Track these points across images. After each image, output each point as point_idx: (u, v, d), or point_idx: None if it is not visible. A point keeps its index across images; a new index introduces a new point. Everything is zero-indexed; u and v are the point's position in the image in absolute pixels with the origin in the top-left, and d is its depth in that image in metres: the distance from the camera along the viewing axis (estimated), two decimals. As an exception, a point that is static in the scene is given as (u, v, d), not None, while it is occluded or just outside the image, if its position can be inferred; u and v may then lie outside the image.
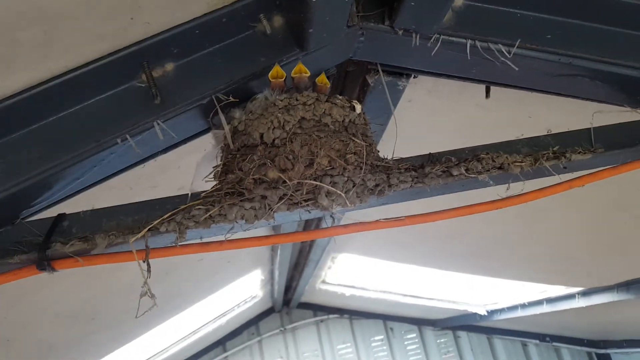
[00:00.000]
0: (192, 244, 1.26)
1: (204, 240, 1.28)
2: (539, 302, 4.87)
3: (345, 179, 1.21)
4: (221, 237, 1.27)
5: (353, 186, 1.23)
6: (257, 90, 1.32)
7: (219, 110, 1.27)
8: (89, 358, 3.42)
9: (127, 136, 1.24)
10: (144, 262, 1.16)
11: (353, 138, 1.24)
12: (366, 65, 1.60)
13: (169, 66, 1.28)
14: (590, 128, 1.49)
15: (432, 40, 1.38)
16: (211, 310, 4.89)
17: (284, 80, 1.25)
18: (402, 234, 3.65)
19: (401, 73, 1.59)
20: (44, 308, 2.20)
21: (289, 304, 6.66)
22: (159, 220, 1.19)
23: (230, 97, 1.26)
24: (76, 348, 3.01)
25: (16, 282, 1.95)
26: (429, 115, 2.05)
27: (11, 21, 0.96)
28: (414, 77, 1.69)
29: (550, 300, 4.72)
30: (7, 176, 1.17)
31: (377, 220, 1.32)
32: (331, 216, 1.37)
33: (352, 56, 1.49)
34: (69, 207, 1.33)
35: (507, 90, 1.78)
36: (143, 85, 1.26)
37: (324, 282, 5.75)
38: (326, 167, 1.20)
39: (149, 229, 1.18)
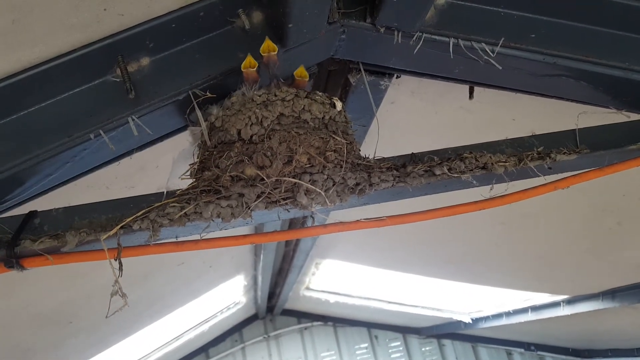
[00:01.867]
0: (167, 242, 1.21)
1: (180, 239, 1.24)
2: (523, 310, 4.87)
3: (325, 177, 1.18)
4: (197, 237, 1.23)
5: (333, 185, 1.20)
6: (235, 86, 1.29)
7: (196, 106, 1.24)
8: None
9: (101, 131, 1.20)
10: (115, 260, 1.12)
11: (333, 135, 1.22)
12: (348, 64, 1.58)
13: (145, 61, 1.24)
14: (575, 129, 1.48)
15: (414, 38, 1.36)
16: (193, 316, 4.81)
17: (257, 70, 1.21)
18: (385, 240, 3.63)
19: (383, 72, 1.57)
20: (18, 310, 2.13)
21: (273, 311, 6.60)
22: (132, 217, 1.15)
23: (208, 93, 1.23)
24: (53, 354, 2.92)
25: None
26: (412, 117, 2.04)
27: (-25, 7, 0.92)
28: (396, 78, 1.67)
29: (535, 308, 4.72)
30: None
31: (357, 221, 1.29)
32: (311, 216, 1.34)
33: (334, 55, 1.47)
34: (43, 205, 1.28)
35: (490, 92, 1.78)
36: (117, 80, 1.22)
37: (308, 288, 5.70)
38: (305, 164, 1.17)
39: (121, 227, 1.13)
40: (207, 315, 5.23)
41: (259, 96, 1.19)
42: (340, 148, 1.21)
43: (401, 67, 1.53)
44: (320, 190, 1.17)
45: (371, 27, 1.34)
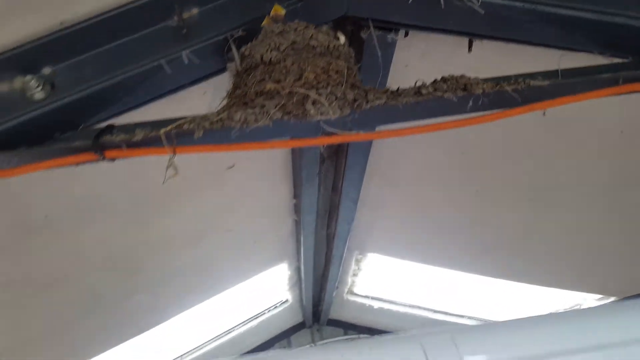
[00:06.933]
0: (210, 144, 1.56)
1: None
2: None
3: (328, 91, 1.50)
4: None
5: (335, 99, 1.51)
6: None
7: (231, 43, 1.61)
8: (129, 329, 3.74)
9: (162, 61, 1.60)
10: (173, 153, 1.48)
11: (336, 60, 1.54)
12: (360, 24, 1.91)
13: (195, 10, 1.64)
14: (557, 70, 1.71)
15: (408, -9, 1.68)
16: (242, 307, 5.14)
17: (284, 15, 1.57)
18: (419, 227, 3.81)
19: (390, 28, 1.89)
20: (91, 248, 2.56)
21: (319, 320, 6.78)
22: (183, 121, 1.52)
23: (240, 32, 1.60)
24: (121, 309, 3.33)
25: (62, 217, 2.31)
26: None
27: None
28: (405, 36, 1.99)
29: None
30: (72, 87, 1.54)
31: (380, 131, 1.59)
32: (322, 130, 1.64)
33: (346, 12, 1.81)
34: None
35: (495, 53, 2.03)
36: (174, 25, 1.63)
37: (351, 292, 5.87)
38: (312, 80, 1.49)
39: (175, 126, 1.50)
40: (256, 311, 5.56)
41: (277, 28, 1.54)
42: (342, 70, 1.53)
43: (404, 21, 1.84)
44: (324, 102, 1.49)
45: (374, -17, 1.68)
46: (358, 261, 5.00)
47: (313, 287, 5.44)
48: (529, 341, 1.40)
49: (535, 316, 1.49)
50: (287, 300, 5.73)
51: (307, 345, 6.99)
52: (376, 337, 1.47)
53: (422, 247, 4.17)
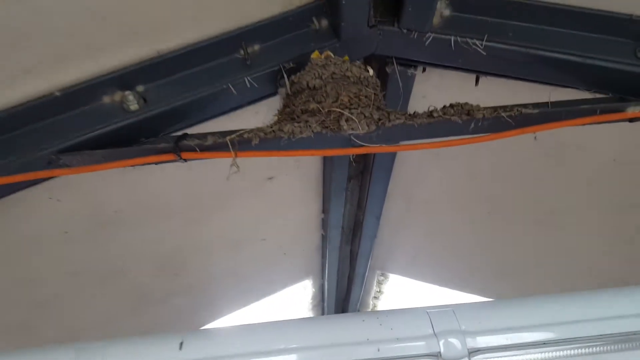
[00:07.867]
0: (264, 150, 1.97)
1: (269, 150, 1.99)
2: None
3: (359, 111, 1.90)
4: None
5: (364, 117, 1.91)
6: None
7: (284, 71, 2.05)
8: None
9: (229, 84, 2.04)
10: (235, 156, 1.90)
11: (365, 88, 1.95)
12: (386, 60, 2.33)
13: (257, 46, 2.09)
14: (548, 101, 2.07)
15: (426, 37, 2.09)
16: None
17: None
18: (439, 249, 4.11)
19: (410, 64, 2.30)
20: (145, 246, 2.97)
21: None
22: (244, 131, 1.94)
23: (291, 64, 2.04)
24: (158, 312, 3.71)
25: (128, 213, 2.73)
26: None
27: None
28: (423, 72, 2.40)
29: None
30: (159, 102, 1.99)
31: (399, 145, 1.97)
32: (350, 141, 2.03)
33: (375, 51, 2.23)
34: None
35: (499, 87, 2.41)
36: (240, 57, 2.08)
37: (373, 315, 6.10)
38: (346, 102, 1.90)
39: (238, 135, 1.92)
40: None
41: (320, 61, 1.97)
42: (370, 95, 1.93)
43: (421, 59, 2.25)
44: (355, 119, 1.89)
45: (398, 30, 2.10)
46: (380, 283, 5.28)
47: (335, 307, 5.71)
48: (520, 315, 1.72)
49: (529, 297, 1.80)
50: (309, 319, 5.98)
51: None
52: (389, 309, 1.81)
53: (438, 268, 4.44)
